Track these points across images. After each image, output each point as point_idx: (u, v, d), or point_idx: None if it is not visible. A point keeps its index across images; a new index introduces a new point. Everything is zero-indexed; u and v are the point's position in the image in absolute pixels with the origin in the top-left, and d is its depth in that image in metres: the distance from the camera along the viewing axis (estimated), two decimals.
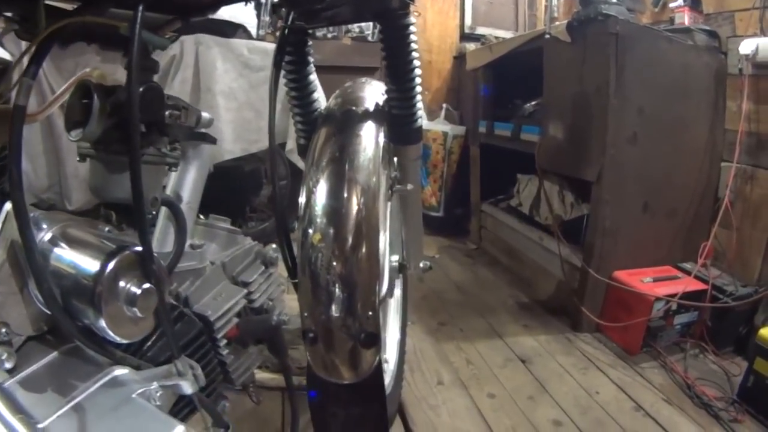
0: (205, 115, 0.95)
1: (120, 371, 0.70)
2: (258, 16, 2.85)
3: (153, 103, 0.79)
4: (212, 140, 1.00)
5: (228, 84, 2.43)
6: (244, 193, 2.81)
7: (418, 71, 1.03)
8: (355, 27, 3.28)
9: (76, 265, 0.70)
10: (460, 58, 3.42)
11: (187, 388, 0.70)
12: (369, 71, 3.32)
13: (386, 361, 1.57)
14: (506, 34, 3.27)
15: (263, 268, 1.11)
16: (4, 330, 0.68)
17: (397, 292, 1.78)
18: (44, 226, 0.74)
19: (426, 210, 3.37)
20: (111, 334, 0.68)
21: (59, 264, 0.71)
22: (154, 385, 0.68)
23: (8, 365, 0.68)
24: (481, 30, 3.48)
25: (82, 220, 0.80)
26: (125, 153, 0.78)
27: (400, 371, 1.64)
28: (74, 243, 0.73)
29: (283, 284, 1.19)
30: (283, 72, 1.07)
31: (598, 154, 1.98)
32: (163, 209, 0.97)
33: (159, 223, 0.98)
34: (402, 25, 0.97)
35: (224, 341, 0.95)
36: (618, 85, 1.92)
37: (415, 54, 1.01)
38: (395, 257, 1.38)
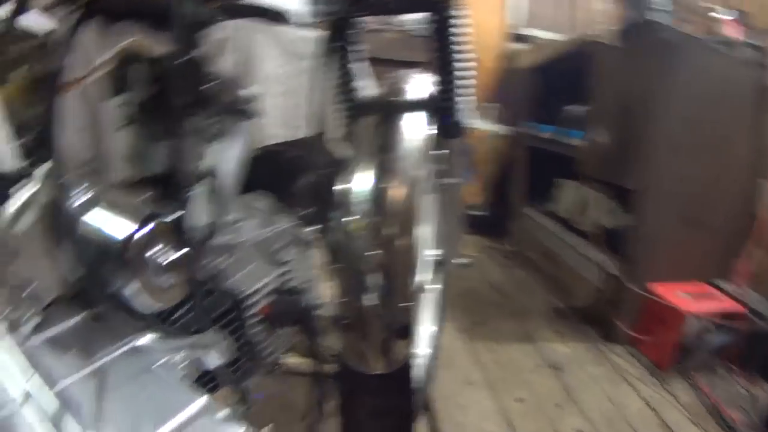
0: (247, 91, 0.92)
1: (145, 339, 0.68)
2: (305, 4, 2.84)
3: (193, 75, 0.76)
4: (253, 115, 0.97)
5: (273, 70, 2.41)
6: (287, 178, 2.81)
7: (465, 63, 1.00)
8: (404, 21, 3.24)
9: (108, 228, 0.66)
10: (508, 57, 3.34)
11: (213, 360, 0.67)
12: (417, 65, 3.32)
13: (419, 355, 1.56)
14: (555, 36, 3.16)
15: (300, 249, 1.08)
16: (31, 288, 0.66)
17: (435, 287, 1.76)
18: (80, 189, 0.71)
19: (469, 209, 3.29)
20: (139, 300, 0.65)
21: (91, 227, 0.68)
22: (180, 355, 0.65)
23: (33, 323, 0.66)
24: (530, 31, 3.38)
25: (120, 189, 0.78)
26: (164, 122, 0.77)
27: (433, 367, 1.60)
28: (108, 207, 0.70)
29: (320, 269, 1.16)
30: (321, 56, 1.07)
31: (641, 162, 1.91)
32: (203, 184, 0.94)
33: (197, 197, 0.96)
34: (449, 16, 0.95)
35: (255, 319, 0.91)
36: (663, 93, 1.85)
37: (462, 46, 0.98)
38: (435, 251, 1.36)
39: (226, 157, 0.96)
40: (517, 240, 3.11)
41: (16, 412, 0.54)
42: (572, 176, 2.45)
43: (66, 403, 0.55)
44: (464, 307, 2.30)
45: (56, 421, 0.52)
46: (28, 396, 0.56)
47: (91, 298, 0.71)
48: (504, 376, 1.78)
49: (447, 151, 1.16)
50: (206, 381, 0.74)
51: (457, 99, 1.03)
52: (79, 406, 0.56)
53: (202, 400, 0.58)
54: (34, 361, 0.61)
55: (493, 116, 3.29)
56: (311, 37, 2.56)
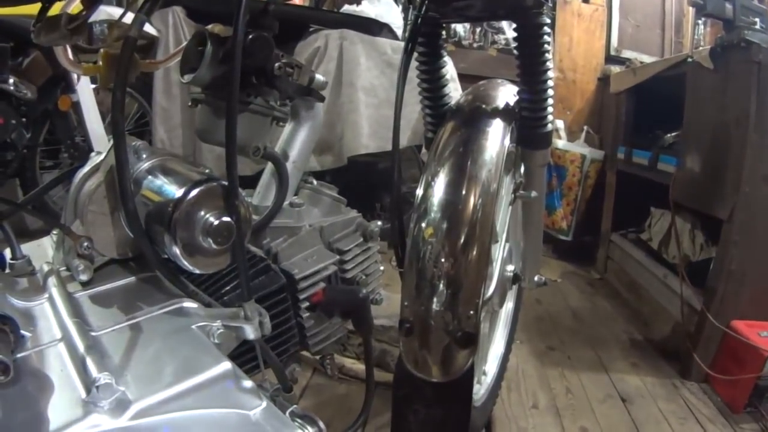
0: (319, 77, 0.92)
1: (188, 304, 0.67)
2: (405, 18, 2.85)
3: (260, 53, 0.76)
4: (321, 98, 0.96)
5: (370, 80, 2.44)
6: (377, 189, 2.81)
7: (550, 74, 0.98)
8: (501, 38, 3.21)
9: (162, 192, 0.68)
10: (604, 80, 3.22)
11: (250, 333, 0.64)
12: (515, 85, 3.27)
13: (485, 373, 1.49)
14: (651, 59, 3.01)
15: (361, 240, 1.05)
16: (86, 244, 0.67)
17: (509, 305, 1.69)
18: (144, 156, 0.73)
19: (555, 233, 3.20)
20: (183, 262, 0.65)
21: (149, 191, 0.69)
22: (217, 323, 0.63)
23: (83, 277, 0.68)
24: (626, 53, 3.26)
25: (187, 160, 0.79)
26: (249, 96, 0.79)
27: (497, 386, 1.55)
28: (167, 173, 0.71)
29: (381, 263, 1.13)
30: (415, 64, 1.04)
31: (732, 190, 1.75)
32: (270, 165, 0.95)
33: (263, 178, 0.97)
34: (536, 24, 0.92)
35: (306, 303, 0.89)
36: (758, 117, 1.70)
37: (548, 56, 0.96)
38: (511, 267, 1.31)
39: (295, 140, 0.96)
40: (603, 267, 2.96)
41: (52, 347, 0.56)
42: (664, 205, 2.30)
43: (97, 349, 0.55)
44: (540, 330, 2.22)
45: (83, 361, 0.52)
46: (64, 338, 0.57)
47: (146, 263, 0.72)
48: (571, 404, 1.69)
49: (531, 162, 1.13)
50: (248, 360, 0.73)
51: (542, 110, 1.01)
52: (108, 353, 0.56)
53: (226, 365, 0.56)
54: (77, 310, 0.62)
55: (589, 140, 3.18)
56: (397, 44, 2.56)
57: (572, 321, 2.39)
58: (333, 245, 1.00)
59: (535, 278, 1.46)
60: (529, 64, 0.96)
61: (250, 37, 0.72)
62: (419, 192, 0.88)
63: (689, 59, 2.04)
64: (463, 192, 0.85)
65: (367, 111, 2.45)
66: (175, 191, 0.66)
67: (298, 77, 0.84)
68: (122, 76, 0.62)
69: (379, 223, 1.07)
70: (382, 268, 1.12)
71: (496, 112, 0.97)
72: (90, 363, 0.52)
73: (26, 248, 0.75)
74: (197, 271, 0.67)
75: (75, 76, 2.11)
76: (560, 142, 3.14)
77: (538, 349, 2.06)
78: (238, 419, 0.54)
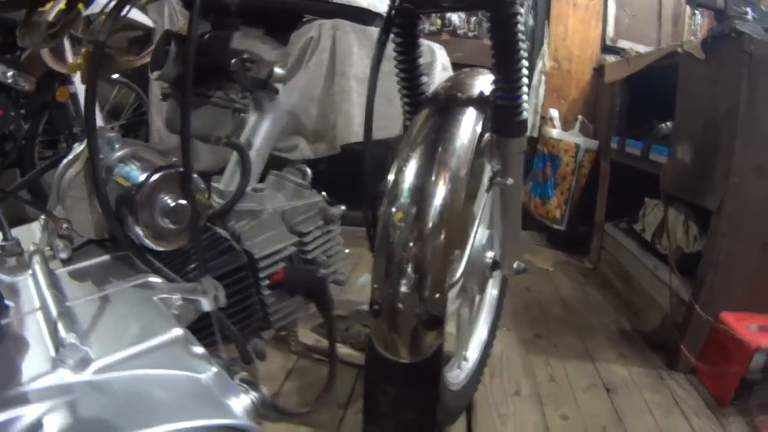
0: (278, 71, 1.01)
1: (153, 279, 0.78)
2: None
3: (216, 52, 0.86)
4: (275, 90, 1.05)
5: (362, 69, 2.51)
6: (367, 176, 2.88)
7: (524, 63, 1.01)
8: None
9: (128, 177, 0.78)
10: (599, 70, 3.26)
11: (206, 305, 0.75)
12: None
13: (466, 359, 1.56)
14: (647, 49, 3.04)
15: (322, 223, 1.15)
16: (65, 225, 0.79)
17: (492, 292, 1.75)
18: (117, 146, 0.83)
19: (549, 222, 3.27)
20: (145, 241, 0.76)
21: (120, 177, 0.80)
22: (177, 296, 0.74)
23: (63, 255, 0.79)
24: (622, 43, 3.29)
25: (158, 150, 0.89)
26: (195, 93, 0.88)
27: (479, 372, 1.62)
28: (136, 161, 0.81)
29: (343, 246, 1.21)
30: (394, 54, 1.10)
31: (721, 181, 1.79)
32: (234, 155, 1.04)
33: (229, 165, 1.06)
34: (509, 14, 0.95)
35: (267, 281, 0.99)
36: (749, 108, 1.73)
37: (522, 45, 0.99)
38: (490, 253, 1.37)
39: (259, 131, 1.04)
40: (596, 257, 3.02)
41: (30, 315, 0.67)
42: (657, 195, 2.33)
43: (69, 316, 0.66)
44: (529, 318, 2.28)
45: (55, 326, 0.63)
46: (41, 307, 0.68)
47: (119, 243, 0.82)
48: (554, 392, 1.74)
49: (506, 150, 1.17)
50: (208, 326, 0.82)
51: (516, 98, 1.04)
52: (78, 320, 0.66)
53: (178, 331, 0.66)
54: (56, 284, 0.73)
55: (584, 129, 3.23)
56: None
57: (561, 310, 2.44)
58: (294, 228, 1.09)
59: (514, 265, 1.50)
60: (503, 53, 0.99)
61: (206, 36, 0.82)
62: (390, 177, 0.93)
63: (679, 49, 2.09)
64: (432, 178, 0.90)
65: (359, 100, 2.52)
66: (139, 177, 0.77)
67: (258, 71, 0.93)
68: (91, 79, 0.73)
69: (343, 207, 1.15)
70: (347, 251, 1.20)
71: (471, 101, 1.01)
72: (61, 327, 0.62)
73: (17, 231, 0.86)
74: (159, 249, 0.78)
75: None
76: (554, 131, 3.21)
77: (525, 336, 2.10)
78: (188, 381, 0.63)
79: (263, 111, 1.08)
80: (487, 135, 1.06)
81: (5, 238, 0.82)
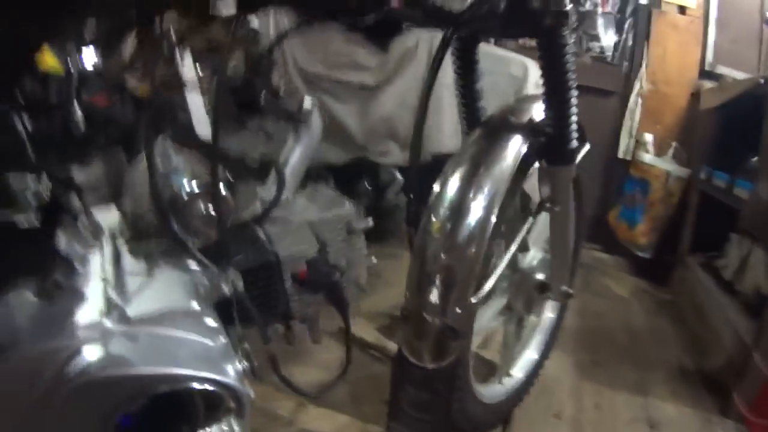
0: (306, 104, 1.22)
1: (191, 264, 1.01)
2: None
3: (247, 94, 1.10)
4: (300, 120, 1.26)
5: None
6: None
7: (573, 92, 1.04)
8: (596, 46, 3.21)
9: (178, 185, 1.03)
10: (696, 95, 3.14)
11: (225, 290, 0.97)
12: (608, 94, 3.30)
13: (510, 375, 1.64)
14: (746, 76, 2.89)
15: (346, 234, 1.33)
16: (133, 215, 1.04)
17: (548, 314, 1.79)
18: (174, 160, 1.07)
19: (633, 248, 3.21)
20: (186, 235, 1.00)
21: (171, 184, 1.03)
22: (205, 279, 0.98)
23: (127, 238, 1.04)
24: (721, 69, 3.14)
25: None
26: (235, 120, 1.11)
27: (522, 391, 1.68)
28: (185, 172, 1.05)
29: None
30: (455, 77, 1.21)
31: None
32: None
33: (271, 179, 1.24)
34: (557, 43, 0.97)
35: (290, 277, 1.21)
36: None
37: (571, 75, 1.01)
38: (540, 275, 1.44)
39: (295, 152, 1.26)
40: (674, 289, 2.93)
41: (92, 280, 0.89)
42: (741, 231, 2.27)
43: (120, 284, 0.90)
44: (591, 343, 2.27)
45: (108, 290, 0.86)
46: (101, 274, 0.91)
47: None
48: (595, 420, 1.74)
49: (555, 178, 1.20)
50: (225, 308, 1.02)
51: (564, 125, 1.07)
52: (127, 288, 0.89)
53: (201, 305, 0.88)
54: (116, 259, 0.97)
55: (677, 156, 3.14)
56: (494, 53, 2.70)
57: (627, 338, 2.40)
58: (320, 235, 1.29)
59: (561, 288, 1.52)
60: (551, 82, 1.02)
61: (239, 83, 1.01)
62: (435, 188, 0.99)
63: (761, 79, 2.03)
64: (470, 195, 0.96)
65: (449, 110, 2.59)
66: (185, 186, 1.02)
67: (287, 104, 1.12)
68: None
69: (370, 220, 1.31)
70: (374, 260, 1.36)
71: (520, 127, 1.06)
72: (111, 290, 0.86)
73: (98, 213, 1.08)
74: (197, 241, 1.02)
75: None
76: (647, 156, 3.15)
77: (583, 361, 2.09)
78: (198, 343, 0.83)
79: (299, 134, 1.28)
80: (525, 157, 1.07)
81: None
